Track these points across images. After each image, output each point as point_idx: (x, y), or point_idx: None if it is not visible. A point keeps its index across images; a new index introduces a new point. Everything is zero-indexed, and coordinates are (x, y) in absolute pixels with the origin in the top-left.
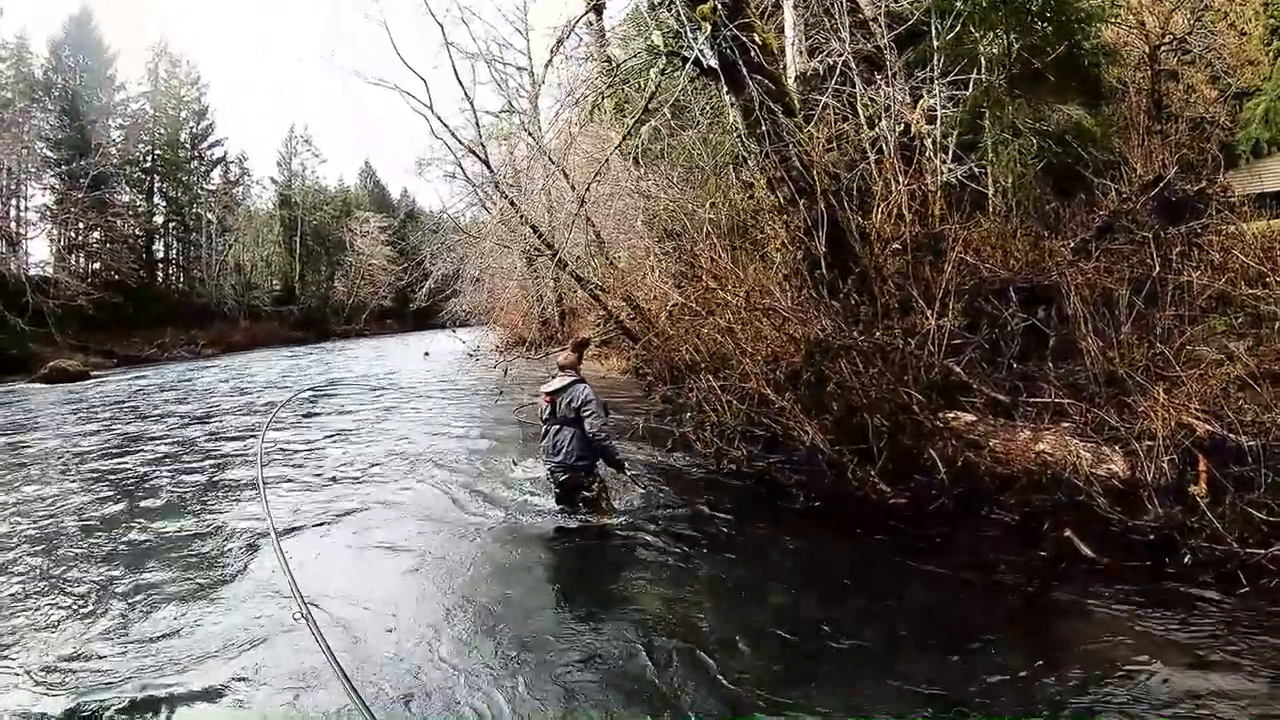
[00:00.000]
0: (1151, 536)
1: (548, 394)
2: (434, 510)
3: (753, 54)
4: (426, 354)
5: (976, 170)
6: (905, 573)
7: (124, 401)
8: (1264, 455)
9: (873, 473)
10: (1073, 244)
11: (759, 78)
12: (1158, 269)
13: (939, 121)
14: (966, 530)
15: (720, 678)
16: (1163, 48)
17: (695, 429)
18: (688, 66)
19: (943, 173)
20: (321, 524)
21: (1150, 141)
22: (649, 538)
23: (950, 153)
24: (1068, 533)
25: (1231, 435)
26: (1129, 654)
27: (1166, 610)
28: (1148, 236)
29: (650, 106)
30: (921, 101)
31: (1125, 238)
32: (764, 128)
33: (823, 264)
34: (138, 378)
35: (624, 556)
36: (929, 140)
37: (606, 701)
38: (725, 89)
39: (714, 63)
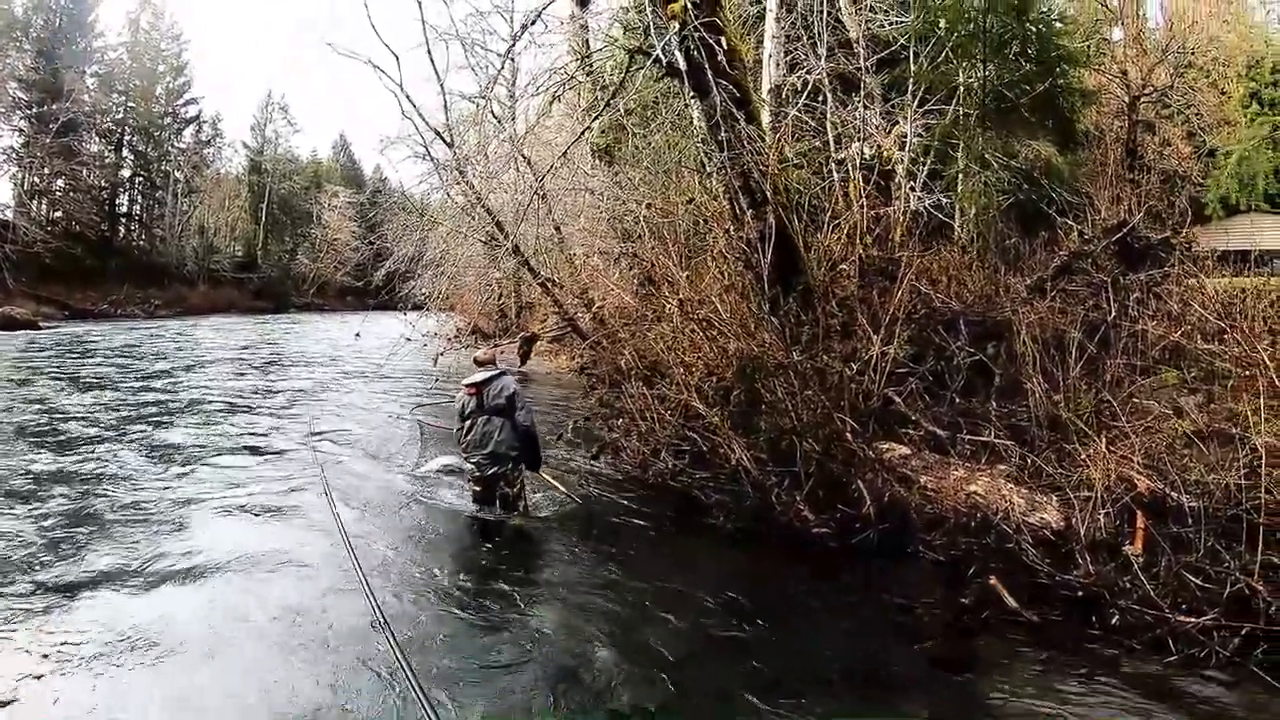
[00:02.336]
0: (1080, 593)
1: (471, 386)
2: (333, 513)
3: (720, 58)
4: (357, 335)
5: (944, 201)
6: (821, 606)
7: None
8: (1205, 518)
9: (799, 498)
10: (1029, 281)
11: (724, 82)
12: (1113, 314)
13: (908, 148)
14: (889, 567)
15: (601, 700)
16: (1143, 99)
17: (624, 436)
18: (649, 64)
19: (910, 200)
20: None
21: (1119, 186)
22: (559, 545)
23: (920, 181)
24: (993, 580)
25: (1173, 494)
26: (1044, 713)
27: (1089, 673)
28: (1106, 281)
29: (611, 101)
30: (896, 128)
31: (1083, 280)
32: (723, 134)
33: (765, 279)
34: (88, 333)
35: (529, 562)
36: (899, 166)
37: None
38: (690, 91)
39: (681, 63)
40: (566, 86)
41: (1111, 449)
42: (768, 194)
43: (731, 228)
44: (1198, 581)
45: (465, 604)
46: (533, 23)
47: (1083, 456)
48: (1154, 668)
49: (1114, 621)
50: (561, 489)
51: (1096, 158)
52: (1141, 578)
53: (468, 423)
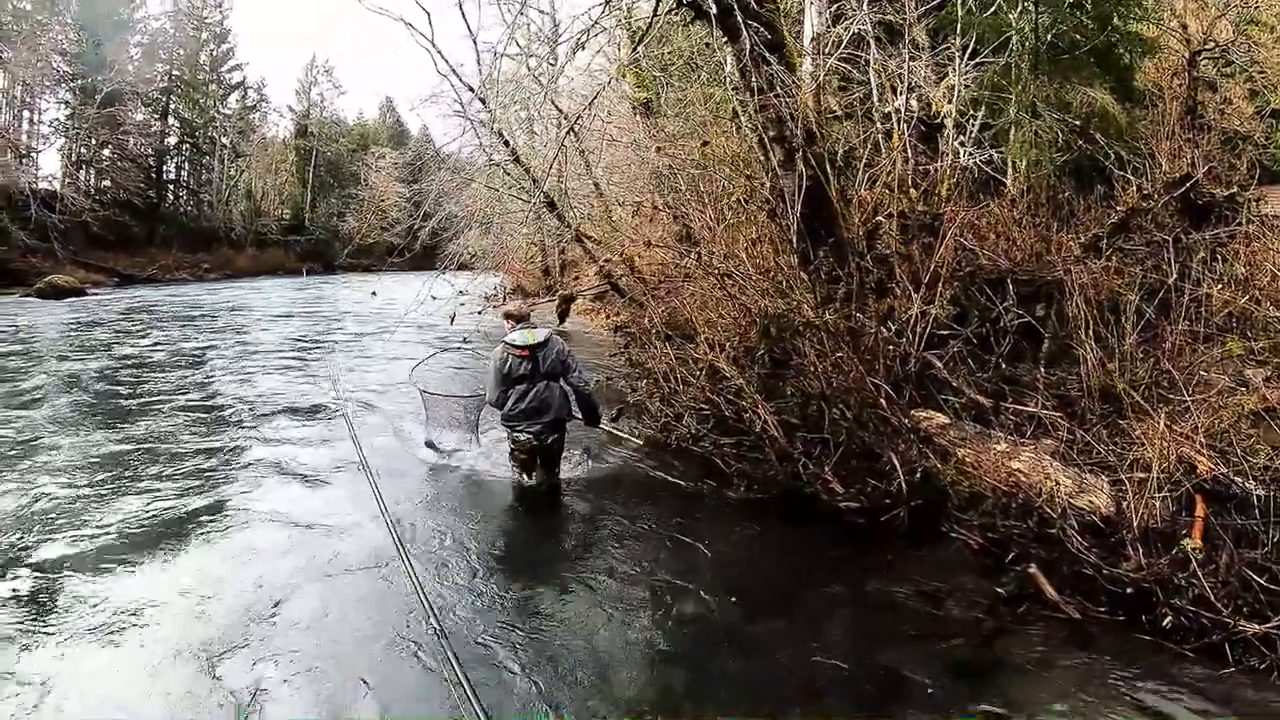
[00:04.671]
0: (1129, 589)
1: (524, 348)
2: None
3: None
4: (374, 294)
5: (995, 155)
6: (843, 591)
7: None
8: (1273, 508)
9: (826, 470)
10: (1084, 239)
11: (755, 25)
12: (1174, 277)
13: (955, 99)
14: (921, 549)
15: (599, 696)
16: (1203, 55)
17: (648, 398)
18: (674, 4)
19: (959, 154)
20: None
21: (1179, 140)
22: (566, 517)
23: (970, 134)
24: (1033, 569)
25: (1238, 480)
26: None
27: (1133, 681)
28: (1167, 240)
29: (638, 47)
30: (945, 80)
31: (1142, 239)
32: (754, 80)
33: (794, 231)
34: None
35: (536, 536)
36: (947, 119)
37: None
38: (721, 35)
39: (711, 4)
40: (592, 33)
41: (1170, 426)
42: (801, 143)
43: (764, 177)
44: (1262, 582)
45: (459, 575)
46: None
47: (1138, 433)
48: (1208, 679)
49: (1165, 623)
50: (625, 434)
51: (1155, 115)
52: (1199, 574)
53: (520, 388)
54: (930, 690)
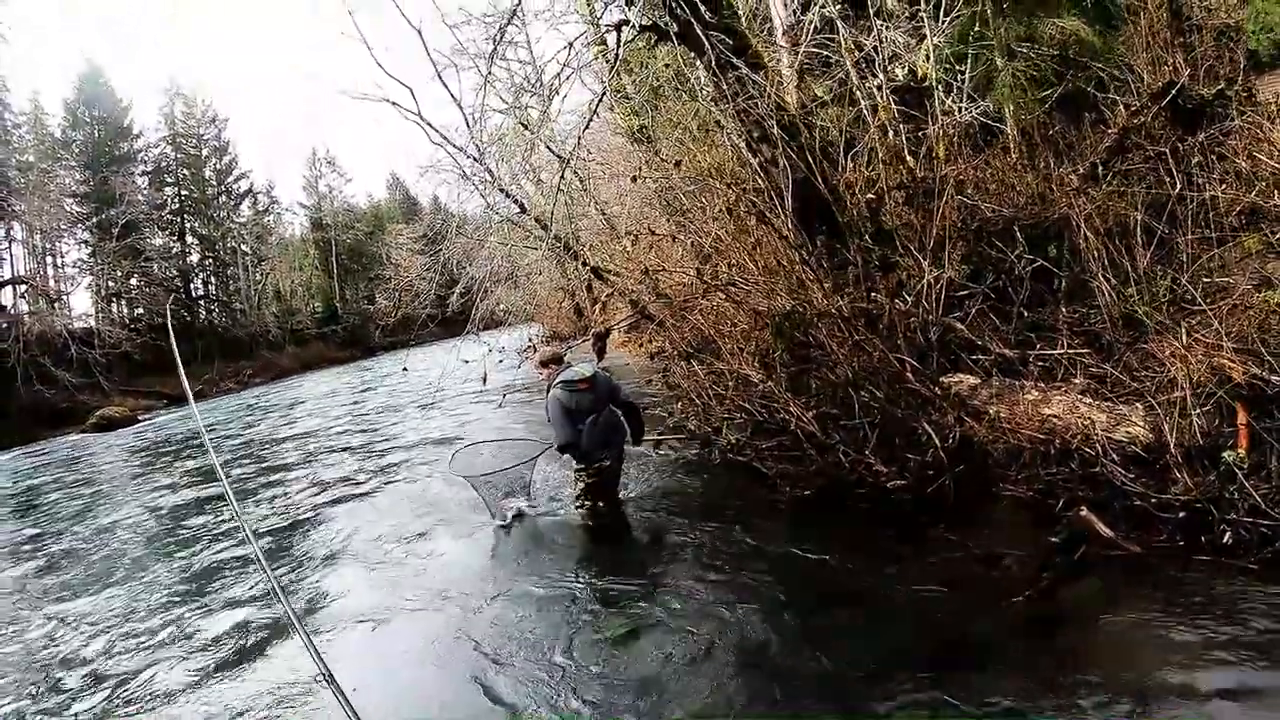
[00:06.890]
0: (1182, 512)
1: (584, 381)
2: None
3: (701, 9)
4: (405, 369)
5: (987, 105)
6: (898, 572)
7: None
8: None
9: (866, 454)
10: (1082, 169)
11: (716, 34)
12: (1178, 187)
13: (931, 58)
14: (970, 514)
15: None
16: None
17: (684, 418)
18: (636, 34)
19: (953, 112)
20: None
21: (1157, 47)
22: (623, 542)
23: (964, 91)
24: (1084, 511)
25: (1274, 379)
26: (1159, 666)
27: (1202, 605)
28: (1164, 151)
29: (609, 80)
30: (924, 42)
31: (1139, 156)
32: (726, 87)
33: (791, 227)
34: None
35: (591, 565)
36: (934, 81)
37: None
38: (687, 52)
39: (672, 25)
40: (564, 77)
41: (1196, 337)
42: (779, 137)
43: (749, 180)
44: None
45: (522, 612)
46: (508, 23)
47: (1166, 353)
48: (1275, 587)
49: (1225, 539)
50: (669, 443)
51: (1141, 28)
52: (1247, 485)
53: (589, 420)
54: (1002, 645)
